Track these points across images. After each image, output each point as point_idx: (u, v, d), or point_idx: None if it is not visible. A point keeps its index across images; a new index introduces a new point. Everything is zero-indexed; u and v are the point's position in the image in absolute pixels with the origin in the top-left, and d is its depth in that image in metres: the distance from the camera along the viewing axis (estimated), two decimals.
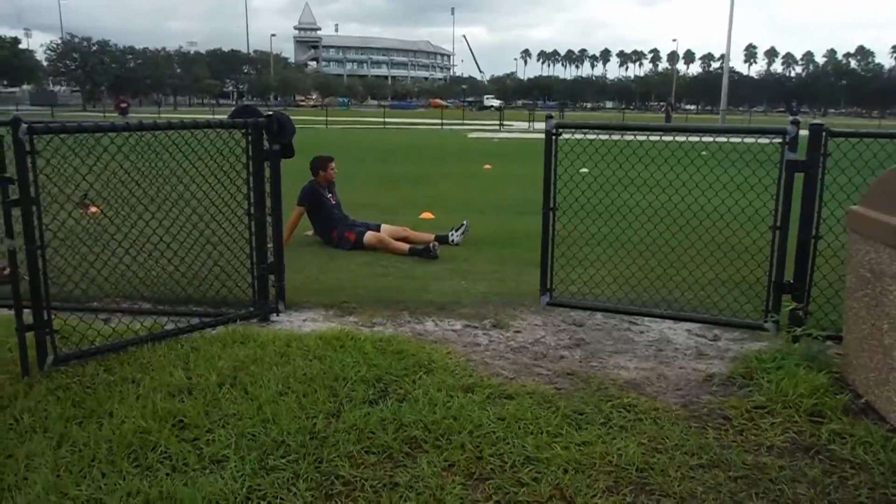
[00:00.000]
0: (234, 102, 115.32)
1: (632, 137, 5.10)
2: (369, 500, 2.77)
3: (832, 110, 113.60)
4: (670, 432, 3.31)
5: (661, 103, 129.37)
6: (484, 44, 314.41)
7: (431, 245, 6.81)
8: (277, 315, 4.99)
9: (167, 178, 4.80)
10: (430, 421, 3.34)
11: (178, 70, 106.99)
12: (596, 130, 4.94)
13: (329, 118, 49.91)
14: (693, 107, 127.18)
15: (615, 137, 4.95)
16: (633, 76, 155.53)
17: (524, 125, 44.48)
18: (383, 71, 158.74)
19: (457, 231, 7.48)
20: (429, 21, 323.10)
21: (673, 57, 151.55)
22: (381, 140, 30.46)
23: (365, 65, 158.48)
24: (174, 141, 4.59)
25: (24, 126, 3.62)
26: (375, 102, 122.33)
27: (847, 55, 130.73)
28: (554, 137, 4.91)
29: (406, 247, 7.05)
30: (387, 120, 51.14)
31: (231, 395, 3.59)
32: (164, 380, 3.74)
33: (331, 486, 2.85)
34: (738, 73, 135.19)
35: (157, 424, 3.25)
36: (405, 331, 4.78)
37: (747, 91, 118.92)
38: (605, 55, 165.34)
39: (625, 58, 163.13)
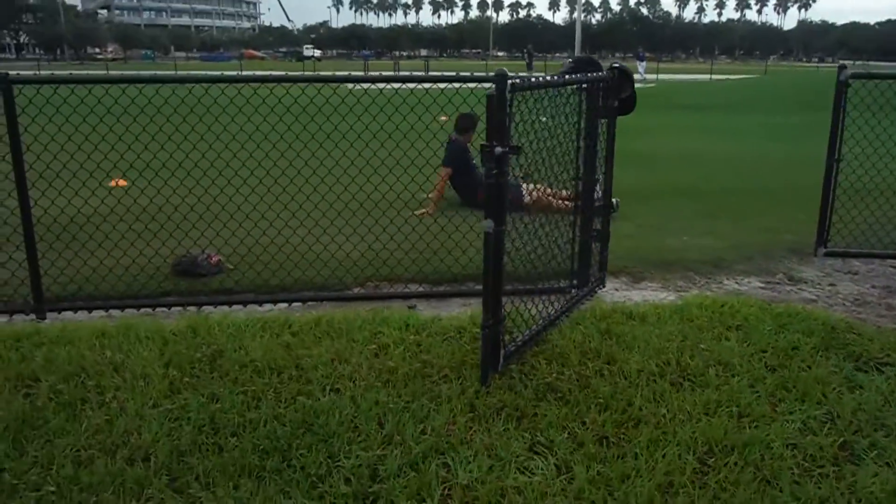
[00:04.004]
0: (14, 56, 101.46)
1: None
2: None
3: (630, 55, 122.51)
4: None
5: (476, 50, 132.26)
6: None
7: (616, 201, 6.56)
8: (604, 286, 4.71)
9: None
10: None
11: None
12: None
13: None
14: (503, 53, 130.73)
15: None
16: (444, 24, 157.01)
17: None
18: (185, 21, 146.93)
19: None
20: None
21: (483, 5, 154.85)
22: None
23: (164, 13, 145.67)
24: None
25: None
26: (183, 55, 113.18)
27: (638, 3, 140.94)
28: (846, 89, 4.98)
29: (571, 205, 6.81)
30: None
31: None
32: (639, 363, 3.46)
33: None
34: (545, 20, 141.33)
35: None
36: (720, 293, 4.70)
37: (554, 38, 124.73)
38: (418, 3, 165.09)
39: (437, 6, 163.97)
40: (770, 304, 4.40)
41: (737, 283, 5.00)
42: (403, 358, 3.61)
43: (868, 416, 3.11)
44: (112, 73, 31.73)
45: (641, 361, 3.57)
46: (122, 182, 6.81)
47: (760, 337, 3.86)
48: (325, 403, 3.18)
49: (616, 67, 4.39)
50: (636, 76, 37.74)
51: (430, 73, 4.58)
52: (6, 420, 3.03)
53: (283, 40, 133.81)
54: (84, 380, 3.37)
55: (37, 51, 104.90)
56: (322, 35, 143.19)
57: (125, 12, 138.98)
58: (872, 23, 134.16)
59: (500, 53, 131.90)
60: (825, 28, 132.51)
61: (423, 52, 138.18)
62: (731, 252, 5.60)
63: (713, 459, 2.81)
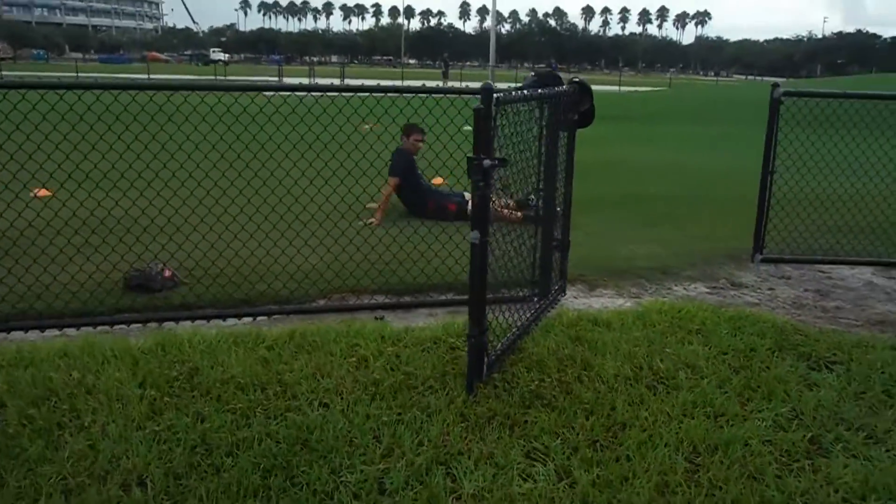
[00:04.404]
0: None
1: None
2: None
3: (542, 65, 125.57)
4: None
5: (387, 57, 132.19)
6: None
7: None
8: (564, 294, 4.85)
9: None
10: None
11: None
12: None
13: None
14: (414, 60, 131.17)
15: None
16: (356, 30, 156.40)
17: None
18: (81, 19, 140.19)
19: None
20: None
21: (394, 12, 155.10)
22: None
23: (58, 11, 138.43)
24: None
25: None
26: (79, 55, 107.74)
27: (546, 14, 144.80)
28: (779, 106, 5.34)
29: (519, 215, 6.96)
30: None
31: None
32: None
33: None
34: (456, 28, 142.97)
35: None
36: (671, 298, 4.94)
37: (465, 47, 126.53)
38: (328, 8, 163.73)
39: (348, 11, 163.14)
40: (720, 307, 4.66)
41: (685, 288, 5.26)
42: (385, 370, 3.62)
43: (828, 411, 3.36)
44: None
45: (616, 367, 3.71)
46: (43, 192, 6.45)
47: (720, 340, 4.08)
48: (316, 418, 3.16)
49: (577, 82, 4.55)
50: None
51: (408, 85, 4.62)
52: None
53: (187, 43, 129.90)
54: (56, 403, 3.21)
55: None
56: (229, 38, 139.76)
57: (13, 8, 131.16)
58: (762, 40, 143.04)
59: (411, 61, 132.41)
60: (720, 44, 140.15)
61: (334, 59, 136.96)
62: (676, 259, 5.88)
63: (700, 458, 2.97)
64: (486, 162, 3.08)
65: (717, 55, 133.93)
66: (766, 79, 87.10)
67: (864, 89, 23.13)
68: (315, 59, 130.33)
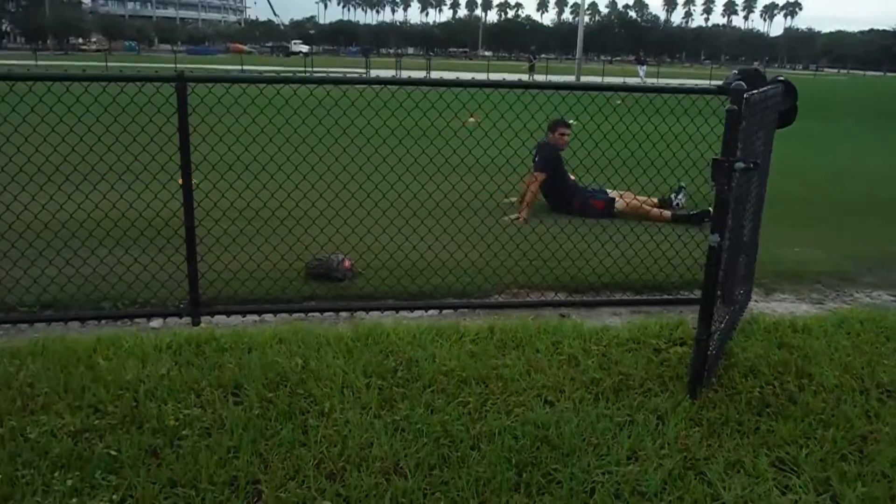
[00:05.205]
0: None
1: None
2: None
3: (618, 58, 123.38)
4: None
5: (463, 49, 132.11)
6: None
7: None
8: (750, 299, 4.71)
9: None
10: None
11: None
12: None
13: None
14: (490, 53, 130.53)
15: None
16: (432, 22, 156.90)
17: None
18: (170, 12, 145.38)
19: (678, 194, 7.35)
20: None
21: (471, 4, 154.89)
22: None
23: (149, 4, 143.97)
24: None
25: None
26: (168, 47, 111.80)
27: (626, 6, 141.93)
28: None
29: (668, 213, 6.83)
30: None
31: None
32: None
33: None
34: (534, 21, 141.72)
35: None
36: (857, 306, 4.73)
37: (544, 39, 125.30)
38: (406, 0, 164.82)
39: (425, 3, 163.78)
40: None
41: (868, 296, 5.04)
42: (600, 370, 3.58)
43: None
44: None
45: (836, 377, 3.57)
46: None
47: None
48: (547, 416, 3.14)
49: (781, 80, 4.39)
50: (637, 80, 38.17)
51: (654, 84, 4.55)
52: (233, 428, 2.96)
53: (269, 35, 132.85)
54: (291, 388, 3.30)
55: (18, 40, 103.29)
56: (309, 30, 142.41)
57: (109, 2, 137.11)
58: (855, 31, 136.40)
59: (487, 53, 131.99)
60: (811, 36, 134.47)
61: (410, 50, 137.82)
62: (849, 264, 5.64)
63: None
64: (740, 164, 2.99)
65: (807, 47, 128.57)
66: (868, 73, 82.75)
67: None
68: (391, 50, 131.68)
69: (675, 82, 37.61)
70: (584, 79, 35.55)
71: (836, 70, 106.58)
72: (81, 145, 4.33)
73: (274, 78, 4.65)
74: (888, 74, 64.65)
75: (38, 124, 4.24)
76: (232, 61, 58.05)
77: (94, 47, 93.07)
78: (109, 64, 40.81)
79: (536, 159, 7.02)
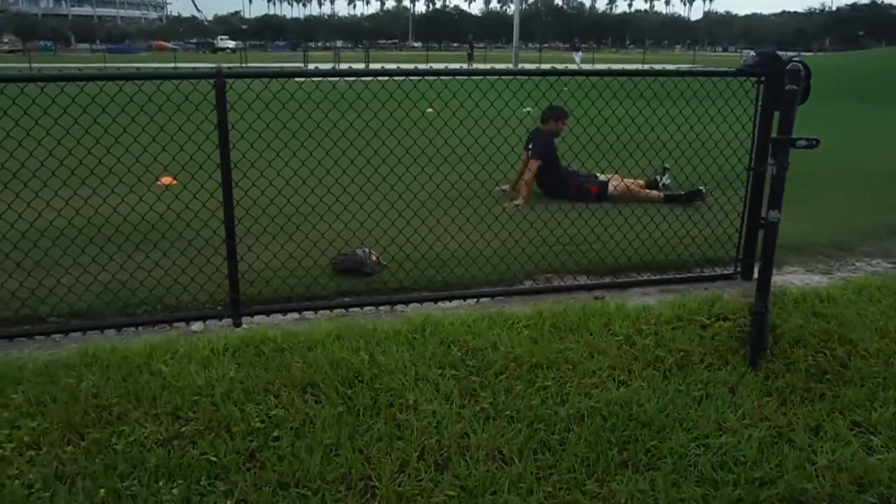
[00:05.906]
0: None
1: None
2: None
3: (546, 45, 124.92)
4: None
5: (393, 41, 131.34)
6: None
7: (704, 188, 6.75)
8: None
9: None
10: None
11: None
12: None
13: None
14: (419, 44, 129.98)
15: None
16: (360, 14, 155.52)
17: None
18: (87, 10, 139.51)
19: (663, 176, 7.53)
20: None
21: None
22: None
23: (64, 2, 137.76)
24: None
25: None
26: (87, 46, 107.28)
27: None
28: None
29: (659, 194, 7.00)
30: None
31: None
32: None
33: None
34: (462, 10, 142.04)
35: None
36: (863, 275, 4.98)
37: (473, 28, 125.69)
38: None
39: None
40: None
41: (868, 264, 5.30)
42: (659, 348, 3.67)
43: None
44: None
45: (876, 341, 3.76)
46: (166, 180, 6.47)
47: None
48: (626, 395, 3.22)
49: (798, 61, 4.55)
50: (573, 66, 38.79)
51: (684, 68, 4.64)
52: (325, 426, 2.93)
53: (193, 31, 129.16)
54: (367, 383, 3.28)
55: None
56: (234, 26, 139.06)
57: (20, 1, 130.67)
58: (768, 13, 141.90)
59: (416, 44, 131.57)
60: (729, 19, 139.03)
61: (339, 44, 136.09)
62: (842, 235, 5.91)
63: None
64: (801, 142, 3.12)
65: (726, 30, 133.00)
66: (788, 53, 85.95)
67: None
68: (317, 44, 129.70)
69: (603, 67, 38.41)
70: (521, 66, 35.90)
71: (752, 52, 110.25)
72: (84, 148, 4.17)
73: (307, 72, 4.58)
74: (803, 53, 67.36)
75: (51, 126, 4.05)
76: (156, 60, 56.23)
77: (6, 48, 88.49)
78: (33, 65, 38.90)
79: (531, 146, 7.09)
